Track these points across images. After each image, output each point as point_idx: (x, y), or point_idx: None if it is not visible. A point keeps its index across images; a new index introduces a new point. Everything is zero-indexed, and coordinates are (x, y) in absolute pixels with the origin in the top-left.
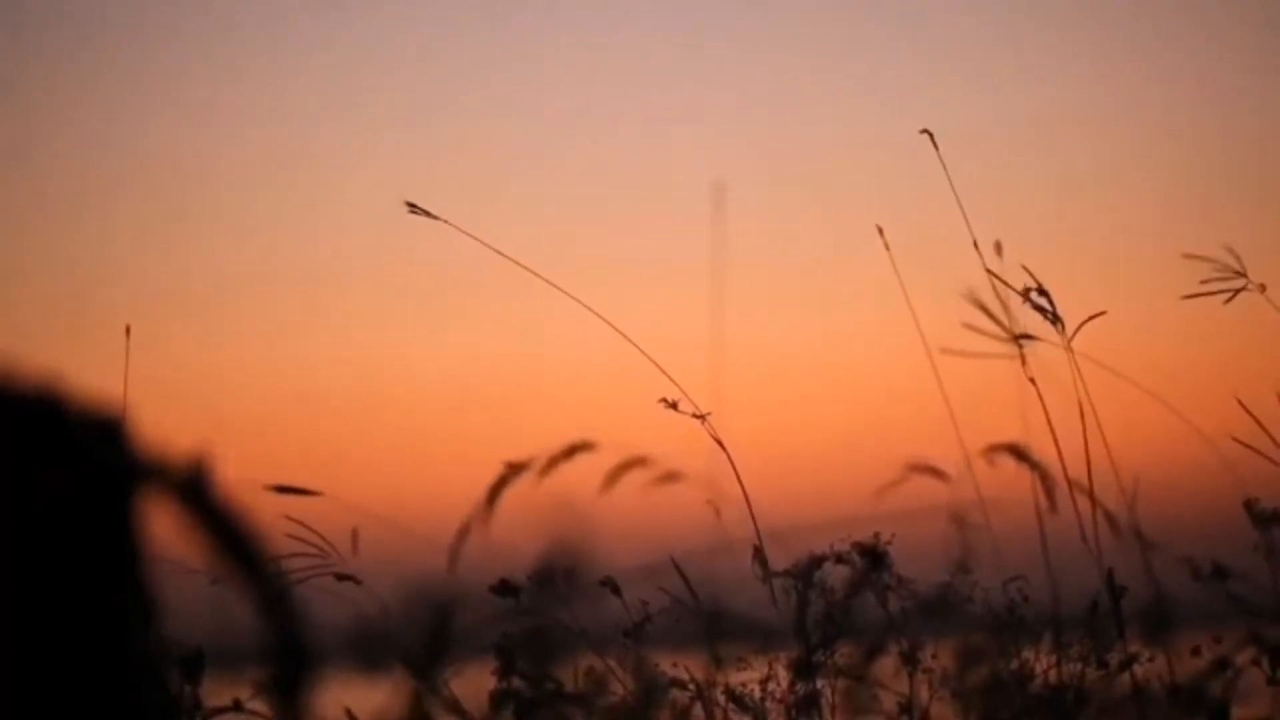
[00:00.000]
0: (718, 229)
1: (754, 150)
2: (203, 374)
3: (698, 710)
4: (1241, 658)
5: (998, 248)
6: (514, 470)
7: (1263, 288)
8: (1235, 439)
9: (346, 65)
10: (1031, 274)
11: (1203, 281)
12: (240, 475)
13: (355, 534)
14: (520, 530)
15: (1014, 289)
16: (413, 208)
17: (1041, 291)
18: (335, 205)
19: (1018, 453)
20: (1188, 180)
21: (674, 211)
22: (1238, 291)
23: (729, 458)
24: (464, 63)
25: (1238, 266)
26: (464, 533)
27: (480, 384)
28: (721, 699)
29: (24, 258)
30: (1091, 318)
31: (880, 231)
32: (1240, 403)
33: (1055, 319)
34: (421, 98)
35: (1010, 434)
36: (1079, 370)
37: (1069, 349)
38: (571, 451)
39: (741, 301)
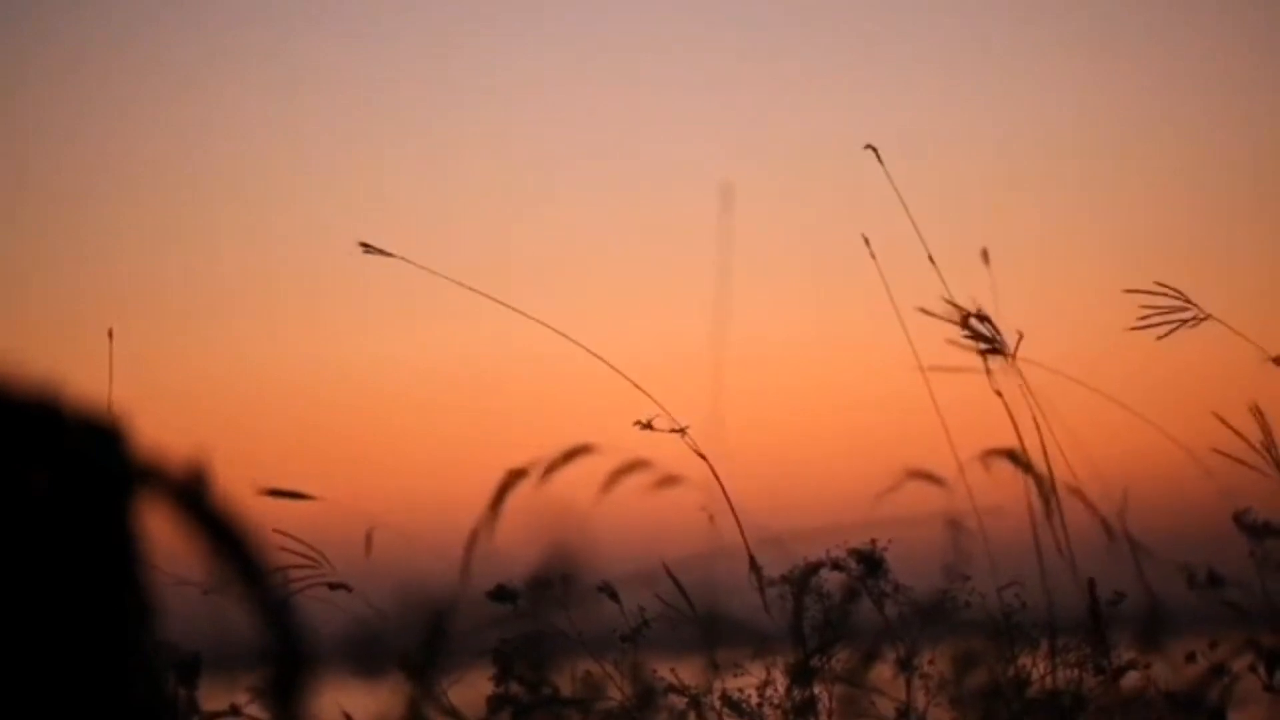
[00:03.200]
0: (723, 232)
1: (748, 158)
2: (185, 378)
3: (694, 716)
4: (1238, 664)
5: (984, 255)
6: (516, 476)
7: (1207, 316)
8: (1218, 450)
9: (341, 63)
10: (956, 306)
11: (1143, 318)
12: (231, 479)
13: (369, 537)
14: (518, 536)
15: (948, 319)
16: (367, 248)
17: (981, 317)
18: (327, 206)
19: (1014, 458)
20: (1149, 202)
21: (669, 219)
22: (1183, 323)
23: (711, 468)
24: (465, 62)
25: (1181, 299)
26: (473, 541)
27: (472, 398)
28: (718, 704)
29: (7, 261)
30: (1019, 340)
31: (866, 241)
32: (1218, 416)
33: (993, 346)
34: (419, 98)
35: (996, 442)
36: (1026, 384)
37: (1011, 366)
38: (572, 455)
39: (736, 307)
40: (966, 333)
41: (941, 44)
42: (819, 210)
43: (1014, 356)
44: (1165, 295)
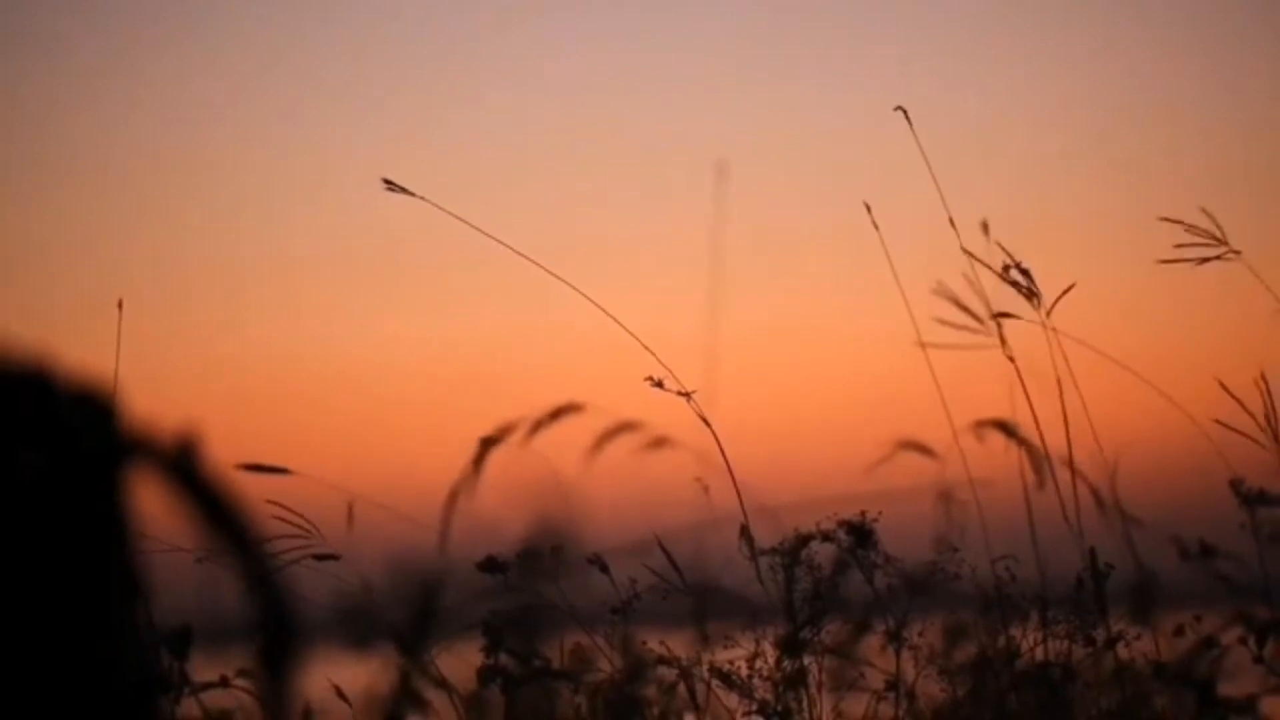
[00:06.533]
0: (718, 208)
1: (746, 128)
2: (194, 349)
3: (684, 688)
4: (1227, 636)
5: (984, 227)
6: (500, 433)
7: (1238, 253)
8: (1219, 421)
9: (333, 41)
10: (1007, 251)
11: (1177, 246)
12: (226, 452)
13: (351, 509)
14: (507, 506)
15: (991, 268)
16: (390, 185)
17: (1021, 269)
18: (328, 183)
19: (1006, 429)
20: (1169, 153)
21: (671, 190)
22: (1215, 257)
23: (715, 436)
24: (459, 40)
25: (1215, 232)
26: (453, 499)
27: (468, 362)
28: (707, 676)
29: (16, 232)
30: (1066, 290)
31: (868, 209)
32: (1221, 384)
33: (1032, 294)
34: (413, 74)
35: (995, 413)
36: (1060, 346)
37: (1045, 325)
38: (558, 413)
39: (733, 279)
40: (1010, 283)
41: (942, 9)
42: (816, 184)
43: (1048, 315)
44: (1199, 230)
